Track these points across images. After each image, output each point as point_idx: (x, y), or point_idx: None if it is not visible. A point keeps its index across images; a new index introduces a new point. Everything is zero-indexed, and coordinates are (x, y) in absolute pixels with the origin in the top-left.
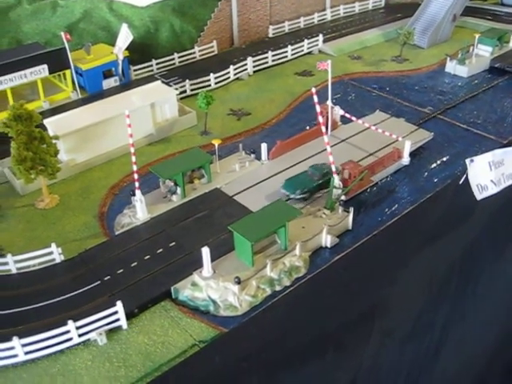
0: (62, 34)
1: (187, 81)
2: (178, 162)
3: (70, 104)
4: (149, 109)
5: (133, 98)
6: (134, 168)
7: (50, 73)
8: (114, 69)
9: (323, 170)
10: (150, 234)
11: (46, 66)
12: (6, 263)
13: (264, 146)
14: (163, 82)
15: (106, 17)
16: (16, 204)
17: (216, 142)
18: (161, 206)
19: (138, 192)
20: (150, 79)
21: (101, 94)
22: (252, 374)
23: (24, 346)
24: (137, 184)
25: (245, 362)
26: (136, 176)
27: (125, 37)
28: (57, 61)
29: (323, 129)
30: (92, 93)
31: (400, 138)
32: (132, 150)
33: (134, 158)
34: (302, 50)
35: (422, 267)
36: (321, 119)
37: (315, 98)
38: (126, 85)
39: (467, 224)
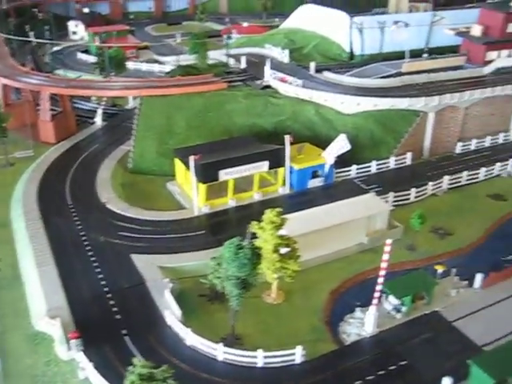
0: (287, 137)
1: (391, 193)
2: (407, 283)
3: (278, 198)
4: (366, 220)
5: (351, 207)
6: (378, 288)
7: (269, 169)
8: (320, 171)
9: None
10: (380, 349)
11: (267, 163)
12: (254, 356)
13: (479, 276)
14: (378, 193)
15: (312, 118)
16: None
17: (440, 268)
18: (385, 321)
19: (373, 308)
20: (348, 183)
21: (305, 193)
22: None
23: None
24: (375, 301)
25: None
26: (377, 294)
27: (340, 146)
28: (276, 159)
29: None
30: (298, 190)
31: None
32: (383, 272)
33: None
34: (493, 173)
35: None
36: None
37: None
38: (328, 186)
39: None
